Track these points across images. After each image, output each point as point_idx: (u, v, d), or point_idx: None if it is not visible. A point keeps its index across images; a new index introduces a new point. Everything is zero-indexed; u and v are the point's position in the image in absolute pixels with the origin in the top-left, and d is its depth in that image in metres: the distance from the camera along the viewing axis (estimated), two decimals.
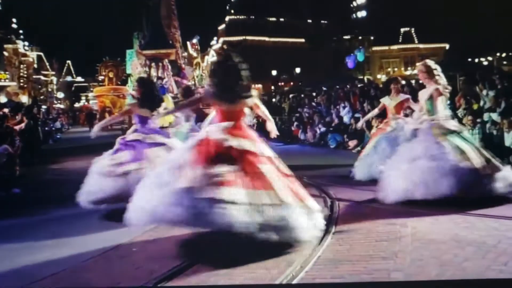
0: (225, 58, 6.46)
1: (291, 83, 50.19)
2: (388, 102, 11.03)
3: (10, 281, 5.38)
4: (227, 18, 59.13)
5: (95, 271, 5.60)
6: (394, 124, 10.64)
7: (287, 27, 58.38)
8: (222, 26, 59.43)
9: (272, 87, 50.66)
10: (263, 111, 6.82)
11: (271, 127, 7.02)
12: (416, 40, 60.76)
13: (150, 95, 9.03)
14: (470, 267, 5.00)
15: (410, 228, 6.47)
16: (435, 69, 8.63)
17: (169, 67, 23.19)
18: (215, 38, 55.92)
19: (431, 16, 47.54)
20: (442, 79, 8.62)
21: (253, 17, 58.52)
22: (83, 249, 6.39)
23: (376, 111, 11.70)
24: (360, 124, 12.92)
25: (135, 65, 25.16)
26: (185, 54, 25.18)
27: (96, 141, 9.36)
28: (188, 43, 27.05)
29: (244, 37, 56.18)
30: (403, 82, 10.92)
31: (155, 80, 21.70)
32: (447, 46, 56.16)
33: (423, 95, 8.74)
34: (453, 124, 8.51)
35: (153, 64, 23.15)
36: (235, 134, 6.06)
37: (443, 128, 8.27)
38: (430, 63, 8.83)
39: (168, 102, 18.46)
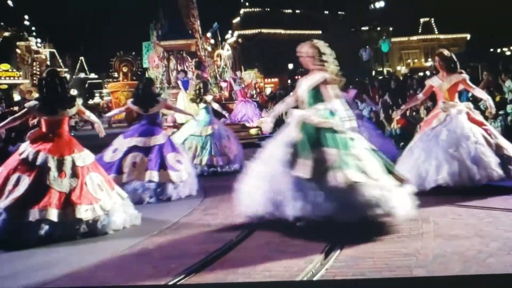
0: (47, 74, 7.65)
1: None
2: (439, 83, 8.88)
3: (25, 280, 5.35)
4: (241, 11, 58.97)
5: (112, 270, 5.56)
6: (443, 116, 8.58)
7: (303, 19, 58.11)
8: (237, 19, 59.31)
9: (289, 81, 50.50)
10: (89, 115, 8.12)
11: (99, 128, 8.14)
12: (436, 30, 60.24)
13: (143, 94, 9.40)
14: (494, 264, 4.89)
15: (432, 224, 6.37)
16: None
17: (189, 59, 22.58)
18: (230, 32, 55.87)
19: (451, 6, 47.08)
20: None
21: (268, 9, 58.33)
22: (99, 248, 6.39)
23: (420, 96, 9.62)
24: (399, 113, 10.73)
25: (152, 58, 24.57)
26: (205, 45, 24.57)
27: (110, 139, 9.35)
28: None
29: (259, 30, 56.03)
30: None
31: (174, 73, 21.38)
32: (468, 36, 55.63)
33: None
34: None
35: (171, 56, 22.58)
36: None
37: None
38: None
39: (185, 99, 18.30)
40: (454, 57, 8.93)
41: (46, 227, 6.70)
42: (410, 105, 10.89)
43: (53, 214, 6.74)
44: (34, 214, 6.68)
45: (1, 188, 6.93)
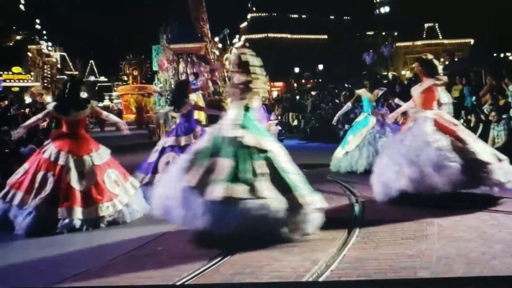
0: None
1: (314, 80, 50.04)
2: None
3: (34, 279, 5.43)
4: (249, 16, 59.06)
5: (120, 270, 5.61)
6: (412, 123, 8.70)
7: (309, 23, 58.09)
8: (244, 24, 59.41)
9: (295, 85, 50.48)
10: (107, 115, 8.95)
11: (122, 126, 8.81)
12: (440, 35, 60.13)
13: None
14: (498, 265, 4.94)
15: (436, 226, 6.41)
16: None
17: (203, 64, 22.32)
18: (237, 36, 55.92)
19: (455, 11, 47.02)
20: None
21: (275, 14, 58.34)
22: (107, 249, 6.46)
23: (410, 103, 9.04)
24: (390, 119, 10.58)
25: (161, 61, 24.32)
26: (214, 48, 24.30)
27: (122, 141, 9.44)
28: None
29: (266, 35, 56.00)
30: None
31: (183, 76, 21.16)
32: (472, 41, 55.50)
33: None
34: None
35: (181, 59, 22.36)
36: None
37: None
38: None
39: (199, 100, 18.22)
40: (434, 61, 8.46)
41: (72, 224, 7.26)
42: (399, 112, 10.08)
43: (78, 213, 7.35)
44: (62, 213, 7.31)
45: (30, 186, 7.49)
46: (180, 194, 6.18)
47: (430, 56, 8.59)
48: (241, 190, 6.01)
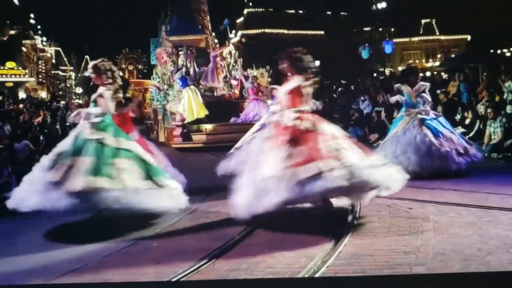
0: None
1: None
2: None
3: (32, 276, 5.42)
4: (245, 11, 58.93)
5: (115, 266, 5.61)
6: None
7: (306, 19, 58.00)
8: (240, 19, 59.30)
9: None
10: None
11: None
12: (437, 31, 60.18)
13: None
14: (493, 261, 4.95)
15: (432, 222, 6.42)
16: None
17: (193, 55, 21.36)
18: (234, 31, 55.81)
19: (452, 7, 47.02)
20: None
21: (271, 9, 58.24)
22: (102, 245, 6.42)
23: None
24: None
25: (160, 54, 23.64)
26: (216, 41, 23.61)
27: None
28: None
29: (262, 30, 55.90)
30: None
31: (183, 69, 20.19)
32: (468, 37, 55.57)
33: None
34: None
35: (180, 52, 21.65)
36: None
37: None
38: None
39: (195, 95, 17.93)
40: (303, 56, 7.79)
41: None
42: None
43: None
44: None
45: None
46: (42, 187, 6.86)
47: (298, 50, 7.58)
48: (102, 182, 6.81)
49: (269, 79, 21.56)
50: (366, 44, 42.45)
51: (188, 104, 17.55)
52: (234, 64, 22.06)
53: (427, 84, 10.56)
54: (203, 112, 17.70)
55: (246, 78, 21.01)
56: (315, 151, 6.46)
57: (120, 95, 7.87)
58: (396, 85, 10.82)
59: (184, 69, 19.39)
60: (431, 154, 9.69)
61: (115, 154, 7.15)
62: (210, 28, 23.09)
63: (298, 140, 6.63)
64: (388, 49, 43.21)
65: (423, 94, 10.25)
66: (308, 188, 6.18)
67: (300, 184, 6.20)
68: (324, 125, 6.83)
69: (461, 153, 9.81)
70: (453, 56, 43.76)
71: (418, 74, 11.02)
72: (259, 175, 6.54)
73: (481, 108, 14.03)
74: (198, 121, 17.60)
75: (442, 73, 26.92)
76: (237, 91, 21.55)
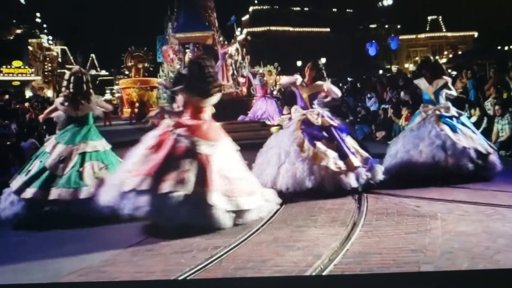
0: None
1: None
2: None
3: (38, 275, 5.41)
4: (250, 9, 58.88)
5: (121, 265, 5.61)
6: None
7: (312, 16, 57.93)
8: (246, 17, 59.26)
9: None
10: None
11: None
12: (444, 28, 60.02)
13: None
14: (502, 260, 4.90)
15: (439, 220, 6.37)
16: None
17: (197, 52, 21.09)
18: (239, 29, 55.75)
19: (459, 3, 46.89)
20: None
21: (277, 7, 58.17)
22: (109, 243, 6.43)
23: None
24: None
25: (166, 52, 23.40)
26: (221, 39, 23.36)
27: (123, 137, 9.38)
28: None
29: (268, 28, 55.87)
30: None
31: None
32: (475, 34, 55.42)
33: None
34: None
35: (187, 50, 21.40)
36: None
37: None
38: None
39: None
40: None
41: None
42: None
43: None
44: None
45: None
46: None
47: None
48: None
49: (277, 76, 21.36)
50: (374, 41, 42.38)
51: None
52: (241, 61, 21.93)
53: (448, 78, 9.77)
54: (210, 111, 17.61)
55: (254, 75, 20.88)
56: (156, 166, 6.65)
57: None
58: (415, 81, 10.15)
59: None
60: (446, 148, 8.93)
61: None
62: (216, 25, 22.89)
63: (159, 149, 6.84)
64: (393, 45, 43.22)
65: (444, 89, 9.53)
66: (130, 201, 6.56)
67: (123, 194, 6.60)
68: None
69: (481, 154, 8.94)
70: (460, 53, 43.59)
71: (439, 67, 10.09)
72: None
73: (488, 105, 13.96)
74: None
75: (449, 70, 26.82)
76: (244, 89, 21.43)
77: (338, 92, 9.27)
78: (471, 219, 6.42)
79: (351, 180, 8.15)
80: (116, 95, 60.91)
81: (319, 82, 9.05)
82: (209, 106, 7.54)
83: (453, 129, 9.17)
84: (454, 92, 9.75)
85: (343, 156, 8.33)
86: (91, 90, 8.41)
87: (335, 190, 8.08)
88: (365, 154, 8.66)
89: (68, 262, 5.79)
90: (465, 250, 5.21)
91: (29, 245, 6.78)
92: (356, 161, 8.35)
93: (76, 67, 8.90)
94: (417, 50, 60.96)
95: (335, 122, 8.86)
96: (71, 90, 8.27)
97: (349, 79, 29.04)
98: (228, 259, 5.48)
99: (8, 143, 11.31)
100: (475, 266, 4.79)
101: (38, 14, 54.77)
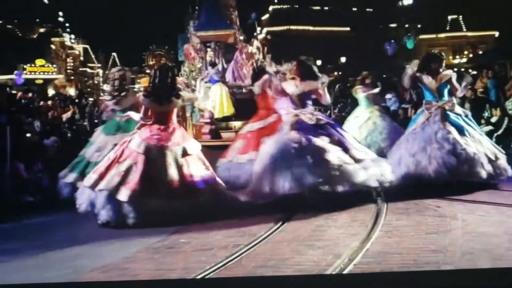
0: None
1: (336, 73, 49.81)
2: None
3: (60, 272, 5.46)
4: (270, 8, 58.82)
5: (143, 263, 5.66)
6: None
7: (332, 16, 57.66)
8: (265, 16, 59.21)
9: None
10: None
11: None
12: (464, 27, 59.48)
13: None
14: None
15: (460, 221, 6.35)
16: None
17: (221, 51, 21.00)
18: (259, 28, 55.67)
19: (479, 3, 46.41)
20: None
21: (296, 6, 58.04)
22: (130, 241, 6.49)
23: None
24: None
25: (187, 50, 23.42)
26: (242, 37, 23.18)
27: None
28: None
29: (288, 27, 55.75)
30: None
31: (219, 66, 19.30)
32: (496, 33, 54.83)
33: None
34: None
35: (208, 49, 21.37)
36: None
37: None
38: None
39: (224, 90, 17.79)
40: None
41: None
42: None
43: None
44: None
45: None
46: None
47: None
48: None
49: None
50: (392, 41, 42.15)
51: (219, 100, 17.39)
52: (262, 60, 21.84)
53: (453, 74, 9.00)
54: (231, 110, 17.57)
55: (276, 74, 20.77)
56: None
57: None
58: (417, 74, 9.13)
59: (220, 66, 19.25)
60: (457, 154, 8.21)
61: None
62: (238, 23, 22.81)
63: None
64: (409, 44, 42.97)
65: (449, 85, 8.84)
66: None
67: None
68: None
69: (491, 160, 8.34)
70: (480, 52, 43.20)
71: (441, 61, 9.19)
72: None
73: (509, 105, 13.85)
74: (227, 118, 17.44)
75: (470, 70, 26.62)
76: None
77: (328, 100, 8.57)
78: (492, 220, 6.39)
79: (359, 172, 7.58)
80: (138, 94, 61.00)
81: (312, 82, 8.40)
82: (174, 112, 8.05)
83: (461, 131, 8.50)
84: (459, 89, 8.97)
85: (346, 149, 7.78)
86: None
87: (348, 186, 7.54)
88: (369, 152, 8.26)
89: (90, 259, 5.85)
90: (486, 251, 5.17)
91: (49, 242, 6.85)
92: (360, 154, 7.83)
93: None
94: (437, 49, 60.52)
95: (331, 120, 8.58)
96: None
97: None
98: (249, 258, 5.50)
99: (31, 140, 11.42)
100: (496, 267, 4.77)
101: (60, 13, 55.17)
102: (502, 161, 8.49)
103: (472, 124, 8.84)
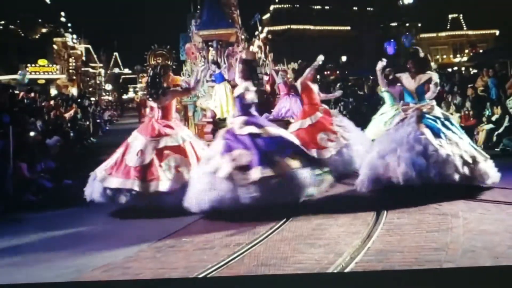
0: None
1: (337, 72, 49.79)
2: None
3: (63, 270, 5.49)
4: (271, 7, 58.81)
5: (145, 261, 5.68)
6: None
7: (332, 15, 57.67)
8: (266, 16, 59.20)
9: (318, 76, 50.29)
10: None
11: None
12: (464, 26, 59.44)
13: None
14: None
15: (461, 219, 6.36)
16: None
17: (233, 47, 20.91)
18: (260, 28, 55.61)
19: (480, 1, 46.37)
20: None
21: (297, 5, 58.02)
22: (132, 240, 6.51)
23: None
24: None
25: (189, 49, 23.36)
26: (243, 36, 23.09)
27: None
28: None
29: (288, 26, 55.75)
30: None
31: (213, 66, 19.70)
32: (497, 32, 54.79)
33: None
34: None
35: (210, 48, 21.32)
36: None
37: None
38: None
39: (228, 89, 17.75)
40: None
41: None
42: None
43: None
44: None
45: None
46: None
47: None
48: None
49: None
50: (392, 40, 42.14)
51: (225, 100, 17.36)
52: (264, 59, 21.82)
53: (433, 74, 8.68)
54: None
55: (278, 73, 20.77)
56: None
57: None
58: (397, 74, 8.87)
59: (224, 65, 19.23)
60: (427, 155, 7.74)
61: None
62: (240, 22, 22.78)
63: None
64: (407, 43, 42.98)
65: (430, 86, 8.48)
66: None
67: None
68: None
69: (467, 163, 7.77)
70: (481, 51, 43.17)
71: (421, 61, 8.78)
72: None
73: (510, 104, 13.85)
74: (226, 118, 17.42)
75: (471, 68, 26.64)
76: (268, 87, 21.28)
77: (250, 101, 8.19)
78: (493, 218, 6.40)
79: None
80: (139, 93, 61.17)
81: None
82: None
83: (436, 133, 8.00)
84: (434, 91, 8.60)
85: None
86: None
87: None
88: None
89: (92, 257, 5.88)
90: (487, 249, 5.20)
91: (52, 240, 6.88)
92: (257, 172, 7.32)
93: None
94: (437, 48, 60.34)
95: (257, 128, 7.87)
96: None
97: (371, 77, 28.87)
98: (250, 256, 5.53)
99: (34, 140, 11.44)
100: (498, 265, 4.79)
101: (62, 13, 55.15)
102: (482, 165, 7.92)
103: (451, 127, 8.28)
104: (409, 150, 7.82)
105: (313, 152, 9.30)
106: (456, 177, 7.64)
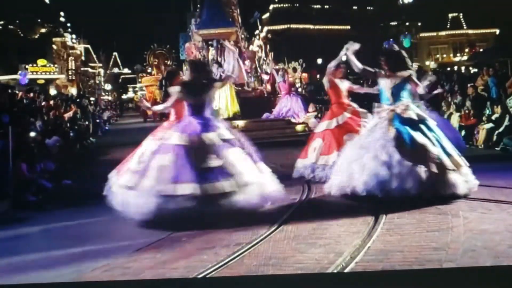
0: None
1: None
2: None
3: (63, 270, 5.48)
4: (271, 7, 58.79)
5: (145, 261, 5.66)
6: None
7: (332, 14, 57.67)
8: (266, 15, 59.18)
9: (318, 76, 50.27)
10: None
11: None
12: (464, 25, 59.45)
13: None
14: None
15: (462, 218, 6.36)
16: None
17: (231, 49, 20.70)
18: (260, 27, 55.59)
19: (480, 0, 46.35)
20: None
21: (297, 5, 58.01)
22: (132, 240, 6.50)
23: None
24: None
25: (189, 49, 23.20)
26: (243, 35, 22.93)
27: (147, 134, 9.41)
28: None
29: (288, 26, 55.77)
30: None
31: (215, 65, 19.23)
32: (497, 31, 54.79)
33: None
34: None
35: (210, 47, 21.14)
36: None
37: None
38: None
39: (232, 91, 17.69)
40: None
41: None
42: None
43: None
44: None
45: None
46: None
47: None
48: None
49: (302, 74, 21.05)
50: (391, 40, 42.14)
51: (231, 99, 17.32)
52: (264, 58, 21.74)
53: (412, 72, 8.15)
54: (237, 109, 17.48)
55: (278, 72, 20.73)
56: None
57: None
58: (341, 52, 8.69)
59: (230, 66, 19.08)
60: (391, 166, 7.42)
61: None
62: (240, 21, 22.67)
63: None
64: (406, 43, 42.98)
65: (406, 87, 8.03)
66: None
67: None
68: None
69: (433, 173, 7.40)
70: (481, 50, 43.19)
71: (399, 57, 8.26)
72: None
73: (510, 103, 13.85)
74: (230, 117, 17.43)
75: (471, 68, 26.64)
76: (269, 86, 21.20)
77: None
78: (494, 217, 6.40)
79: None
80: (139, 93, 61.17)
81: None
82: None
83: (405, 140, 7.57)
84: (419, 85, 8.20)
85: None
86: None
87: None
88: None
89: (92, 257, 5.86)
90: (488, 249, 5.19)
91: (52, 240, 6.88)
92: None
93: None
94: (437, 47, 60.38)
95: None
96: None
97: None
98: (250, 256, 5.52)
99: (33, 140, 11.44)
100: (499, 264, 4.78)
101: (61, 13, 55.15)
102: (452, 176, 7.46)
103: (426, 131, 7.74)
104: (374, 158, 7.53)
105: (336, 155, 8.98)
106: (417, 191, 7.30)
